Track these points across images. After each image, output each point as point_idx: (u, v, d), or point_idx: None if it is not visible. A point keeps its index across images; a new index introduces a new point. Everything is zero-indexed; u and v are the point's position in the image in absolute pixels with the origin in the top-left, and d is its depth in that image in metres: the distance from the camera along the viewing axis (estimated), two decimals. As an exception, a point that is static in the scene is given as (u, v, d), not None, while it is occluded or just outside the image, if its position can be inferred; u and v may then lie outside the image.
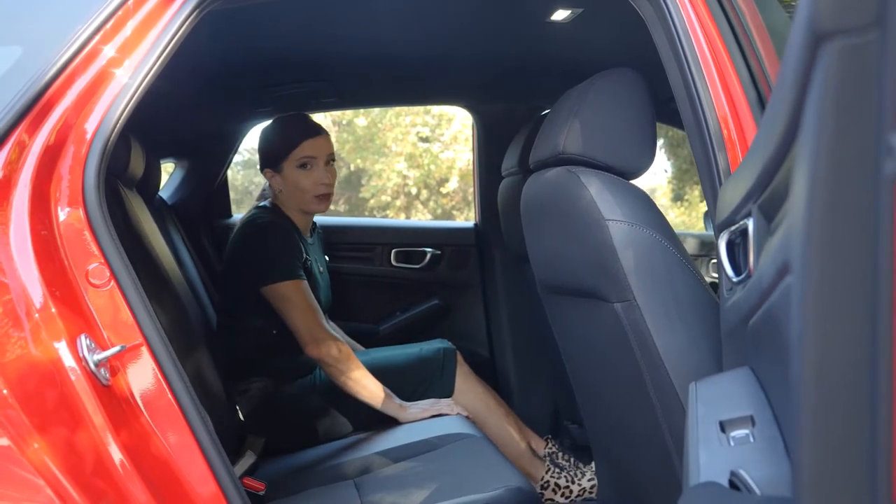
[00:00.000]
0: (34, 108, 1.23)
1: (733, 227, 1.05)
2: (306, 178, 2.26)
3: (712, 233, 3.39)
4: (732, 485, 0.81)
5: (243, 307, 2.21)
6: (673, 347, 1.41)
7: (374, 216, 13.26)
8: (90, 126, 1.26)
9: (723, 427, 0.92)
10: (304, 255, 2.23)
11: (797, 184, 0.49)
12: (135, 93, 1.30)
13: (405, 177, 13.16)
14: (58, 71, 1.25)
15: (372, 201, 13.19)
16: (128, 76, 1.30)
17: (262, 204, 2.35)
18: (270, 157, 2.29)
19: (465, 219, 13.21)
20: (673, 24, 1.40)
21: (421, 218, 13.44)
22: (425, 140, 13.39)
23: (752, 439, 0.89)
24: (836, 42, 0.44)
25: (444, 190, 13.27)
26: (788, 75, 0.53)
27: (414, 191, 13.33)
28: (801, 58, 0.48)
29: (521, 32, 2.24)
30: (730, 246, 1.09)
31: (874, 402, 0.43)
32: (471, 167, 13.39)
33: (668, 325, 1.42)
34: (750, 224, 0.94)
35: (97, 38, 1.29)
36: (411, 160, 13.18)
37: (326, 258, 2.56)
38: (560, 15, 2.05)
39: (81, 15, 1.29)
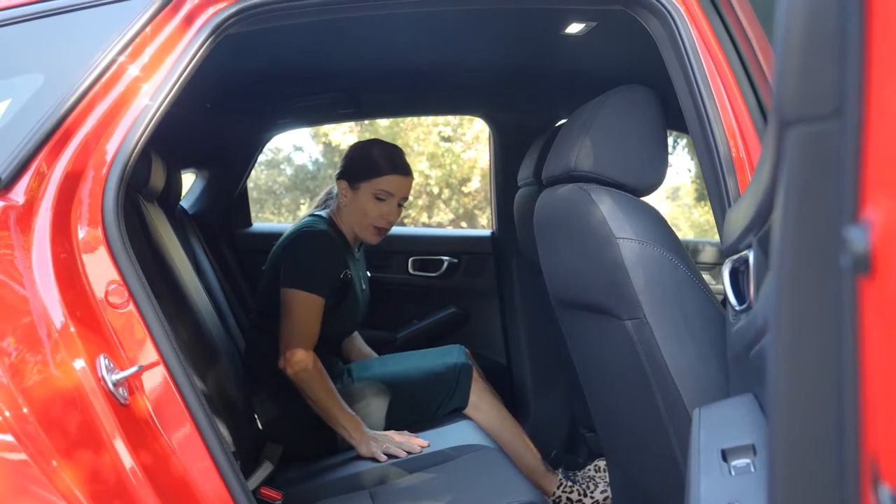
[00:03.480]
0: (54, 135, 1.27)
1: (736, 256, 1.06)
2: (376, 207, 2.27)
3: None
4: (730, 517, 0.82)
5: (278, 308, 2.21)
6: (683, 365, 1.42)
7: (397, 215, 13.25)
8: (110, 150, 1.30)
9: (724, 455, 0.94)
10: (347, 270, 2.24)
11: (771, 257, 0.51)
12: (153, 116, 1.33)
13: (427, 176, 13.16)
14: (77, 98, 1.29)
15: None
16: (147, 100, 1.33)
17: (319, 213, 2.35)
18: (353, 172, 2.29)
19: (487, 218, 13.20)
20: (682, 42, 1.41)
21: (443, 217, 13.44)
22: (447, 140, 13.39)
23: (752, 469, 0.90)
24: (799, 129, 0.45)
25: (465, 189, 13.27)
26: (769, 146, 0.54)
27: (436, 190, 13.33)
28: (773, 137, 0.49)
29: (536, 44, 2.25)
30: (734, 273, 1.10)
31: (842, 474, 0.44)
32: (492, 167, 13.13)
33: (678, 342, 1.43)
34: (751, 256, 0.95)
35: (116, 64, 1.32)
36: (433, 160, 13.18)
37: (368, 274, 2.57)
38: (574, 28, 2.06)
39: (100, 42, 1.32)
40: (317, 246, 2.19)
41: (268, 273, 2.31)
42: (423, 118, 12.98)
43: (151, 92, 1.34)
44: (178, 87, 1.36)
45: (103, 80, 1.31)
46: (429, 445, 2.04)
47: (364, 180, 2.26)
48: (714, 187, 1.37)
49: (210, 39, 1.38)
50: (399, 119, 12.90)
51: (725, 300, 1.25)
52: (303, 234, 2.22)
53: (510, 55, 2.37)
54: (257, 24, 1.45)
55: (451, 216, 13.57)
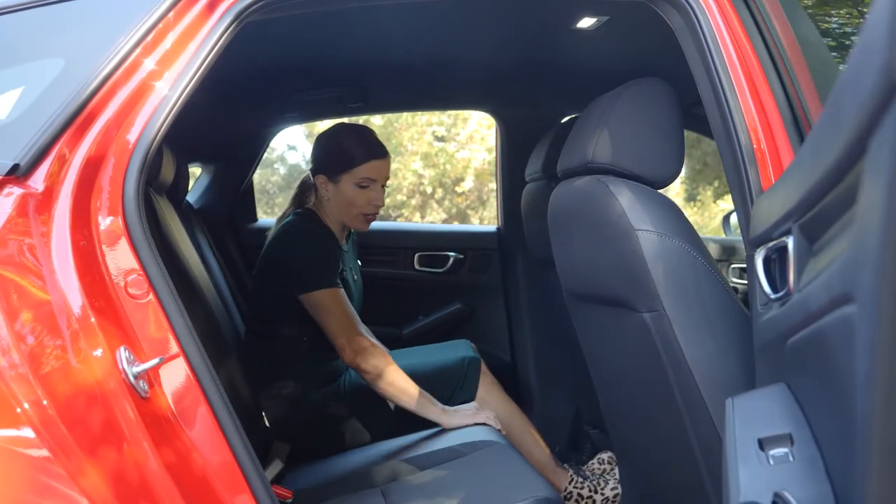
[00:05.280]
0: (76, 120, 1.25)
1: (770, 244, 1.05)
2: (361, 196, 2.23)
3: (731, 237, 3.38)
4: (776, 505, 0.81)
5: (276, 314, 2.20)
6: (701, 357, 1.42)
7: (390, 215, 13.27)
8: (131, 137, 1.28)
9: (761, 445, 0.93)
10: (340, 264, 2.22)
11: (867, 229, 0.49)
12: (175, 104, 1.31)
13: (420, 176, 13.15)
14: (99, 83, 1.27)
15: (387, 200, 13.14)
16: (168, 88, 1.31)
17: (298, 210, 2.32)
18: (329, 166, 2.25)
19: (480, 218, 13.21)
20: (703, 34, 1.40)
21: (436, 217, 13.44)
22: (441, 139, 13.38)
23: (791, 458, 0.89)
24: None
25: (459, 189, 13.26)
26: (848, 110, 0.53)
27: (429, 190, 13.32)
28: (870, 99, 0.48)
29: (546, 39, 2.25)
30: (766, 262, 1.09)
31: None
32: (486, 167, 13.20)
33: (696, 335, 1.42)
34: (790, 243, 0.94)
35: (138, 50, 1.30)
36: (427, 159, 13.17)
37: (359, 263, 2.55)
38: (586, 22, 2.06)
39: (122, 27, 1.31)
40: (313, 244, 2.18)
41: (260, 279, 2.29)
42: (417, 118, 12.99)
43: (173, 79, 1.32)
44: (199, 75, 1.34)
45: (125, 65, 1.29)
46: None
47: (343, 172, 2.22)
48: (735, 179, 1.36)
49: (232, 27, 1.36)
50: (393, 118, 12.91)
51: (752, 292, 1.24)
52: (294, 236, 2.19)
53: (520, 50, 2.37)
54: (279, 11, 1.44)
55: (443, 216, 13.56)
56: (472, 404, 2.19)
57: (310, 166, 2.34)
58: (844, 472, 0.74)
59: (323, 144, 2.30)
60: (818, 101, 1.27)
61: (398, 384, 2.08)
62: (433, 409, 2.09)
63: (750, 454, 0.93)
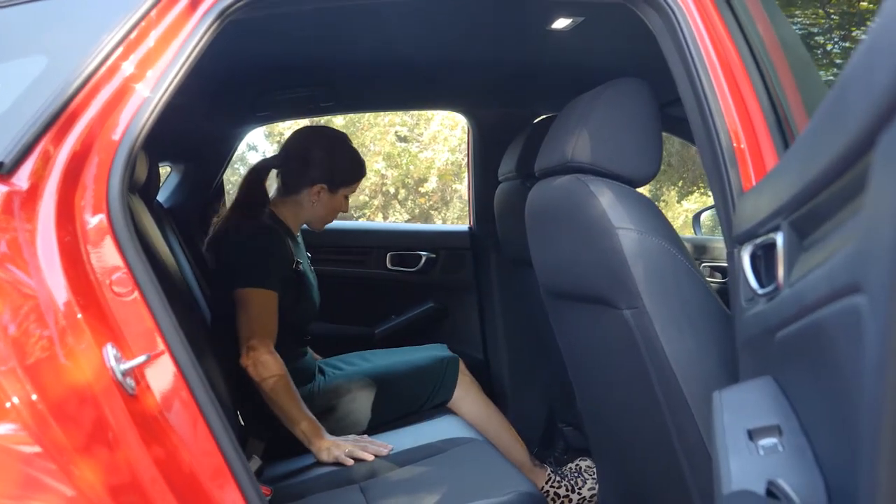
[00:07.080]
0: (59, 118, 1.24)
1: (756, 241, 1.08)
2: (343, 205, 2.35)
3: (701, 235, 3.41)
4: (770, 493, 0.83)
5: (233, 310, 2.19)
6: (682, 353, 1.44)
7: (352, 215, 13.22)
8: (115, 136, 1.27)
9: (751, 436, 0.95)
10: (297, 260, 2.22)
11: (877, 220, 0.51)
12: (157, 103, 1.30)
13: (383, 176, 13.14)
14: (83, 81, 1.25)
15: (350, 200, 13.09)
16: (150, 87, 1.30)
17: (252, 215, 2.28)
18: (335, 177, 2.29)
19: (443, 218, 13.22)
20: (682, 35, 1.42)
21: (398, 218, 13.42)
22: (403, 140, 13.38)
23: (780, 448, 0.91)
24: None
25: (422, 189, 13.27)
26: (856, 106, 0.55)
27: (392, 190, 13.31)
28: (883, 96, 0.49)
29: (521, 40, 2.27)
30: (751, 258, 1.11)
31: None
32: (449, 167, 13.14)
33: (676, 331, 1.44)
34: (779, 238, 0.96)
35: (121, 48, 1.29)
36: (389, 160, 13.16)
37: (309, 256, 2.55)
38: (561, 23, 2.07)
39: (105, 25, 1.29)
40: (263, 241, 2.16)
41: (218, 277, 2.29)
42: (379, 118, 12.97)
43: (155, 79, 1.31)
44: (181, 74, 1.34)
45: (108, 63, 1.28)
46: (392, 449, 2.00)
47: (345, 185, 2.31)
48: (716, 179, 1.38)
49: (215, 25, 1.36)
50: (356, 118, 12.87)
51: (734, 288, 1.26)
52: (244, 233, 2.18)
53: (494, 51, 2.38)
54: (262, 9, 1.43)
55: (406, 216, 13.56)
56: (353, 438, 2.07)
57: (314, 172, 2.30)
58: (839, 460, 0.76)
59: (335, 155, 2.31)
60: (800, 102, 1.30)
61: (283, 406, 2.03)
62: (306, 438, 2.03)
63: (740, 445, 0.95)
